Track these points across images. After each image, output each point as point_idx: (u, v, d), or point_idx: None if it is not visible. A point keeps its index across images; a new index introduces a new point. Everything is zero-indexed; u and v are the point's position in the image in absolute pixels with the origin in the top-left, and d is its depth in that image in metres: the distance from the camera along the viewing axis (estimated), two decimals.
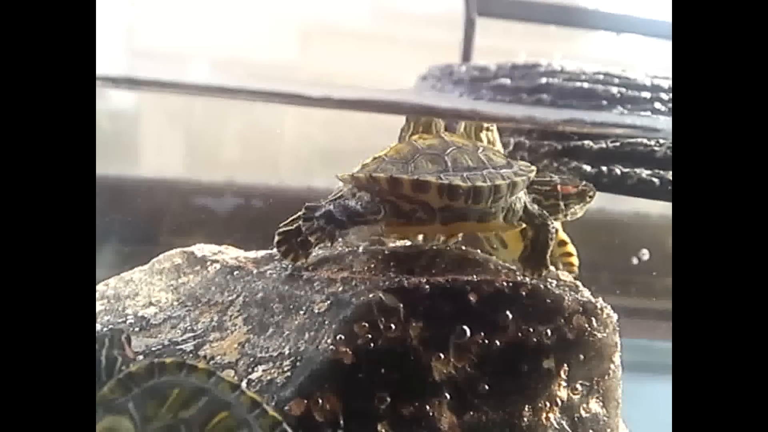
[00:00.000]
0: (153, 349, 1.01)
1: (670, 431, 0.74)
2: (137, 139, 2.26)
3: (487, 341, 0.97)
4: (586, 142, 1.32)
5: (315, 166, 2.04)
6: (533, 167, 1.09)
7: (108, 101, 2.10)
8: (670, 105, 1.37)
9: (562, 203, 1.14)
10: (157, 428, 0.77)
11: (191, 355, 0.99)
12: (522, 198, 1.09)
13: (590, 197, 1.15)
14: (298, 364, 0.92)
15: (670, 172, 1.27)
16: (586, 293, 1.06)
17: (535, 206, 1.11)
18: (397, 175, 0.98)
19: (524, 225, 1.09)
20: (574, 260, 1.34)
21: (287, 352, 0.95)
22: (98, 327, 1.06)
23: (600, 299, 1.05)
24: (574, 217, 1.17)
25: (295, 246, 1.06)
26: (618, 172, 1.29)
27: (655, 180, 1.26)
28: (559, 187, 1.13)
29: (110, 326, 1.04)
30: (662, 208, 1.66)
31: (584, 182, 1.15)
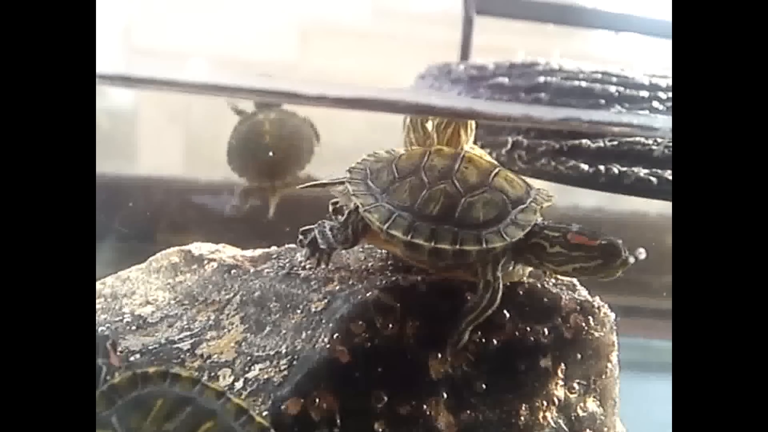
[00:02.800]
0: (150, 347, 1.01)
1: (668, 430, 0.74)
2: (136, 137, 2.26)
3: (484, 340, 0.97)
4: (583, 140, 1.32)
5: (312, 164, 2.04)
6: (524, 229, 0.94)
7: (106, 99, 2.10)
8: (668, 104, 1.37)
9: (571, 254, 0.93)
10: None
11: (188, 353, 0.99)
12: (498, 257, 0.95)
13: (617, 257, 0.91)
14: (294, 362, 0.92)
15: (668, 171, 1.27)
16: (584, 292, 1.06)
17: (495, 274, 0.94)
18: (353, 197, 0.98)
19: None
20: None
21: (284, 350, 0.95)
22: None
23: (597, 298, 1.05)
24: (604, 278, 0.94)
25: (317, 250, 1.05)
26: (616, 171, 1.29)
27: (653, 179, 1.26)
28: (569, 235, 0.93)
29: (101, 332, 1.03)
30: (660, 207, 1.66)
31: (609, 239, 0.92)
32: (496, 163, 1.06)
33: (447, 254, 0.93)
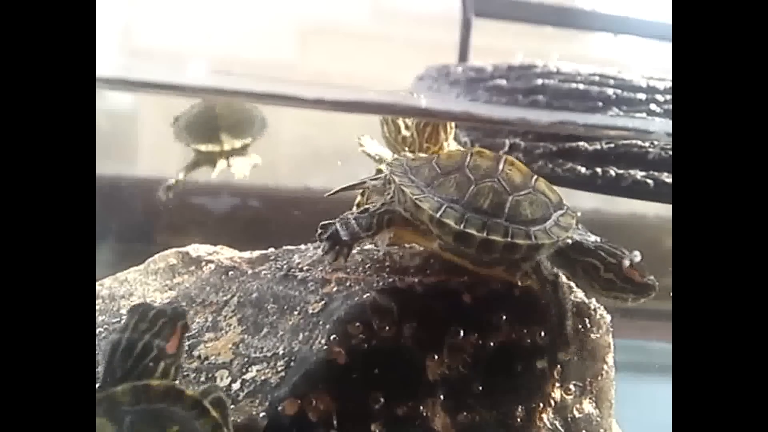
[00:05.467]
0: None
1: (663, 431, 0.74)
2: (135, 138, 2.26)
3: (480, 342, 0.97)
4: (581, 143, 1.33)
5: (312, 166, 2.04)
6: (567, 230, 0.97)
7: (106, 100, 2.10)
8: (666, 106, 1.37)
9: (619, 283, 0.97)
10: None
11: (186, 355, 1.00)
12: (536, 259, 0.97)
13: (649, 294, 0.97)
14: (292, 364, 0.93)
15: (665, 174, 1.27)
16: (580, 294, 1.06)
17: (553, 269, 0.98)
18: (404, 187, 0.97)
19: (528, 282, 1.00)
20: None
21: (281, 352, 0.95)
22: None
23: (593, 300, 1.06)
24: (622, 304, 0.99)
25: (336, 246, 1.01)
26: (613, 173, 1.29)
27: (650, 181, 1.27)
28: (625, 266, 0.96)
29: (174, 305, 0.92)
30: (658, 209, 1.66)
31: (652, 278, 0.97)
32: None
33: (497, 247, 0.94)
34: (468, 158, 1.00)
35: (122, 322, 0.83)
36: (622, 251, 0.98)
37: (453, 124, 1.14)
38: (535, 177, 1.01)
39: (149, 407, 0.76)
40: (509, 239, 0.93)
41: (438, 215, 0.94)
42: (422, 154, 1.06)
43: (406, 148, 1.19)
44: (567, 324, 0.98)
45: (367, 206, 1.05)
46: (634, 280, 0.97)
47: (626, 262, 0.96)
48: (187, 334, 0.90)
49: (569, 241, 0.97)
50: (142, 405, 0.76)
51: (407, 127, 1.18)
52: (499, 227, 0.94)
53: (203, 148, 1.88)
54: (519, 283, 1.00)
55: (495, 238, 0.93)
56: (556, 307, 0.97)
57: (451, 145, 1.20)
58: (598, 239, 0.99)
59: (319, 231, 1.01)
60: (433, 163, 1.01)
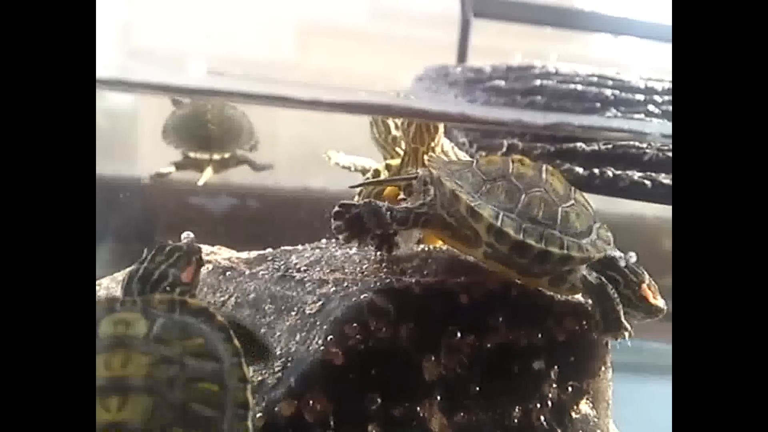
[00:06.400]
0: None
1: (661, 431, 0.74)
2: (135, 138, 2.26)
3: (477, 342, 0.97)
4: (578, 144, 1.33)
5: (311, 166, 2.04)
6: (609, 244, 0.99)
7: (105, 100, 2.10)
8: (664, 107, 1.38)
9: (634, 300, 1.01)
10: (162, 354, 0.76)
11: None
12: (579, 270, 0.99)
13: (656, 316, 1.02)
14: (289, 364, 0.93)
15: (663, 175, 1.27)
16: (578, 295, 1.06)
17: (593, 274, 0.99)
18: (459, 192, 0.95)
19: (573, 294, 1.03)
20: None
21: (278, 352, 0.95)
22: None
23: (590, 300, 1.05)
24: (629, 320, 1.01)
25: (355, 230, 0.99)
26: (610, 174, 1.30)
27: (647, 182, 1.27)
28: (642, 285, 1.00)
29: (189, 240, 0.97)
30: (657, 210, 1.66)
31: (663, 301, 1.02)
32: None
33: (552, 258, 0.94)
34: (510, 165, 0.99)
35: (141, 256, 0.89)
36: (643, 272, 1.00)
37: (441, 124, 1.14)
38: (573, 188, 1.01)
39: (181, 318, 0.81)
40: (565, 251, 0.93)
41: (498, 224, 0.93)
42: (458, 160, 1.04)
43: (397, 149, 1.19)
44: (619, 311, 0.97)
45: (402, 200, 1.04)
46: (648, 300, 1.00)
47: (645, 281, 0.99)
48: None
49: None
50: (175, 314, 0.81)
51: (397, 127, 1.18)
52: (555, 239, 0.94)
53: (192, 154, 1.90)
54: (562, 296, 1.02)
55: (552, 249, 0.93)
56: (605, 308, 0.97)
57: (440, 146, 1.20)
58: (623, 255, 1.00)
59: (337, 209, 0.98)
60: (476, 169, 0.99)
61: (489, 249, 0.96)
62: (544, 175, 0.99)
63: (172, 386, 0.75)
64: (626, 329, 0.97)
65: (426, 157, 1.04)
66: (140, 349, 0.76)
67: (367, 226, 0.97)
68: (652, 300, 1.00)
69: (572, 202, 0.98)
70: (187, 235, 1.00)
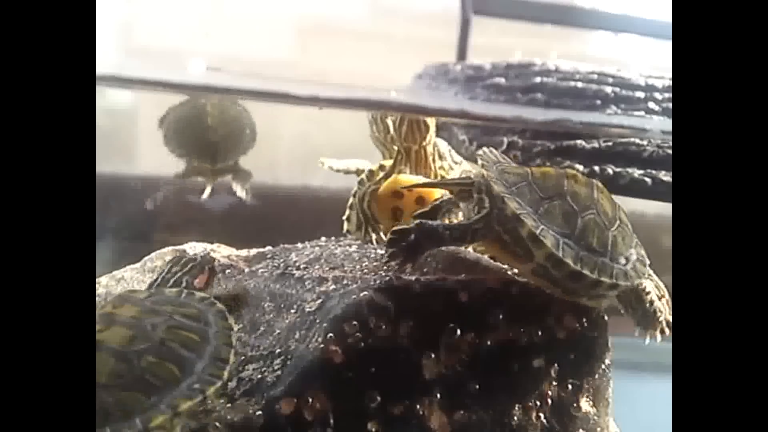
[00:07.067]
0: None
1: (661, 429, 0.74)
2: (134, 136, 2.26)
3: (477, 340, 0.97)
4: (578, 141, 1.33)
5: (310, 164, 2.04)
6: (645, 266, 1.01)
7: (105, 98, 2.10)
8: (664, 104, 1.37)
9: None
10: (152, 308, 0.87)
11: None
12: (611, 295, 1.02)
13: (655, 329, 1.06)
14: (288, 362, 0.92)
15: (663, 172, 1.27)
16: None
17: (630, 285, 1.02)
18: (524, 218, 0.93)
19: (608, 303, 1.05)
20: None
21: (278, 350, 0.95)
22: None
23: None
24: None
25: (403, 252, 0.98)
26: (610, 171, 1.29)
27: (648, 179, 1.26)
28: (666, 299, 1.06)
29: (204, 253, 1.10)
30: (658, 208, 1.66)
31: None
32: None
33: (603, 286, 0.96)
34: (566, 182, 0.98)
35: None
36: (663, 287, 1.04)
37: (432, 122, 1.14)
38: (617, 205, 1.02)
39: (183, 298, 0.93)
40: (614, 280, 0.96)
41: (560, 254, 0.93)
42: (514, 166, 1.02)
43: (395, 147, 1.19)
44: (656, 308, 1.01)
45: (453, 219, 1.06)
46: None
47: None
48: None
49: None
50: (180, 296, 0.94)
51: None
52: (607, 267, 0.95)
53: (195, 162, 1.85)
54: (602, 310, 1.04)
55: (604, 279, 0.95)
56: (644, 311, 1.02)
57: (431, 144, 1.20)
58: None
59: (392, 236, 0.97)
60: (532, 185, 0.97)
61: (540, 269, 0.96)
62: (595, 194, 0.99)
63: (154, 328, 0.85)
64: (660, 323, 1.01)
65: (480, 161, 1.01)
66: (134, 302, 0.89)
67: (424, 248, 0.97)
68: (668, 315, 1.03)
69: (618, 222, 0.99)
70: (192, 246, 1.12)
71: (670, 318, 1.03)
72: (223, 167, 1.84)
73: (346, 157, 1.46)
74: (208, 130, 1.80)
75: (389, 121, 1.18)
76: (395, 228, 0.97)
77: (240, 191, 1.83)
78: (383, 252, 1.06)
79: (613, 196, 1.04)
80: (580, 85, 1.39)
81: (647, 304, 1.01)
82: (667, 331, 1.02)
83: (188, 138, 1.83)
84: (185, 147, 1.84)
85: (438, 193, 1.12)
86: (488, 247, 1.02)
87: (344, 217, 1.28)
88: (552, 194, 0.96)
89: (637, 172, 1.28)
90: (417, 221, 0.96)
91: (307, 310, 0.98)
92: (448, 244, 0.99)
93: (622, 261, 0.98)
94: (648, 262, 1.02)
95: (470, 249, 1.11)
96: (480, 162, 1.01)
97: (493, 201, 0.97)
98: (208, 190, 1.86)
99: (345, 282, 1.00)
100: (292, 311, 0.99)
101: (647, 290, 1.02)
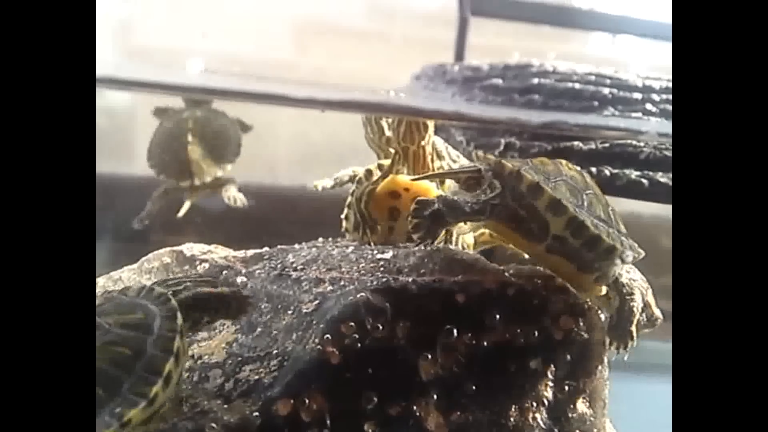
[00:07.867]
0: None
1: (661, 430, 0.74)
2: (133, 136, 2.26)
3: (474, 341, 0.97)
4: (575, 142, 1.33)
5: (308, 164, 2.04)
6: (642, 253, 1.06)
7: (104, 98, 2.10)
8: (662, 106, 1.38)
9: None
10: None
11: None
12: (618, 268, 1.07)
13: (653, 326, 1.14)
14: (285, 363, 0.93)
15: (660, 173, 1.27)
16: (574, 293, 1.06)
17: (629, 277, 1.08)
18: (542, 185, 0.97)
19: (607, 291, 1.09)
20: None
21: (274, 351, 0.95)
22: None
23: (588, 299, 1.05)
24: None
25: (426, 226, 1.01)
26: (607, 173, 1.30)
27: (645, 181, 1.27)
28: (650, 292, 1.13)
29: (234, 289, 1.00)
30: (655, 209, 1.66)
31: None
32: None
33: (615, 254, 1.01)
34: (562, 167, 1.04)
35: None
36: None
37: (431, 123, 1.15)
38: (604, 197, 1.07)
39: (137, 300, 0.88)
40: (624, 248, 1.00)
41: (581, 217, 0.97)
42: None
43: (391, 149, 1.19)
44: (633, 321, 1.06)
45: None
46: (651, 307, 1.10)
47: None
48: None
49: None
50: (137, 298, 0.89)
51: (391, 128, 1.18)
52: (617, 236, 1.00)
53: (174, 183, 1.79)
54: (593, 298, 1.06)
55: (618, 246, 0.99)
56: (623, 313, 1.07)
57: (430, 144, 1.19)
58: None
59: (416, 206, 1.00)
60: (536, 167, 1.02)
61: (555, 244, 0.99)
62: (588, 179, 1.05)
63: None
64: (632, 340, 1.04)
65: (486, 156, 1.05)
66: None
67: (446, 219, 1.00)
68: (654, 308, 1.09)
69: (611, 206, 1.05)
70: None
71: (657, 311, 1.09)
72: (204, 184, 1.81)
73: (344, 158, 1.46)
74: (186, 148, 1.77)
75: (384, 123, 1.17)
76: (419, 199, 1.00)
77: (229, 200, 1.81)
78: (380, 253, 1.07)
79: (611, 198, 1.06)
80: (577, 86, 1.39)
81: (632, 309, 1.05)
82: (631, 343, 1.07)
83: (166, 157, 1.81)
84: (163, 167, 1.81)
85: (436, 194, 1.13)
86: (501, 229, 1.04)
87: (342, 216, 1.28)
88: (555, 176, 1.01)
89: (634, 174, 1.29)
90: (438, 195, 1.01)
91: (304, 311, 0.98)
92: (469, 218, 1.01)
93: (625, 235, 1.02)
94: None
95: (486, 231, 1.16)
96: (484, 158, 1.05)
97: (505, 180, 1.00)
98: (186, 207, 1.81)
99: (342, 283, 1.00)
100: (290, 312, 0.99)
101: (635, 310, 1.06)
